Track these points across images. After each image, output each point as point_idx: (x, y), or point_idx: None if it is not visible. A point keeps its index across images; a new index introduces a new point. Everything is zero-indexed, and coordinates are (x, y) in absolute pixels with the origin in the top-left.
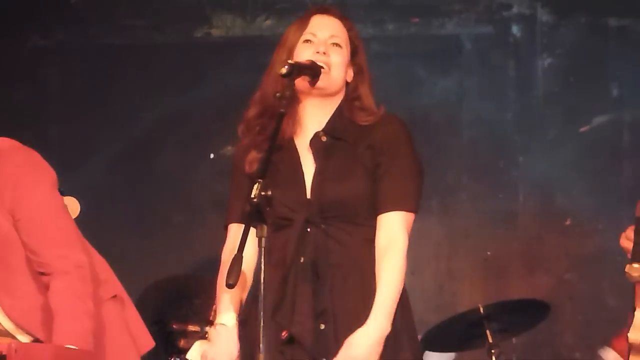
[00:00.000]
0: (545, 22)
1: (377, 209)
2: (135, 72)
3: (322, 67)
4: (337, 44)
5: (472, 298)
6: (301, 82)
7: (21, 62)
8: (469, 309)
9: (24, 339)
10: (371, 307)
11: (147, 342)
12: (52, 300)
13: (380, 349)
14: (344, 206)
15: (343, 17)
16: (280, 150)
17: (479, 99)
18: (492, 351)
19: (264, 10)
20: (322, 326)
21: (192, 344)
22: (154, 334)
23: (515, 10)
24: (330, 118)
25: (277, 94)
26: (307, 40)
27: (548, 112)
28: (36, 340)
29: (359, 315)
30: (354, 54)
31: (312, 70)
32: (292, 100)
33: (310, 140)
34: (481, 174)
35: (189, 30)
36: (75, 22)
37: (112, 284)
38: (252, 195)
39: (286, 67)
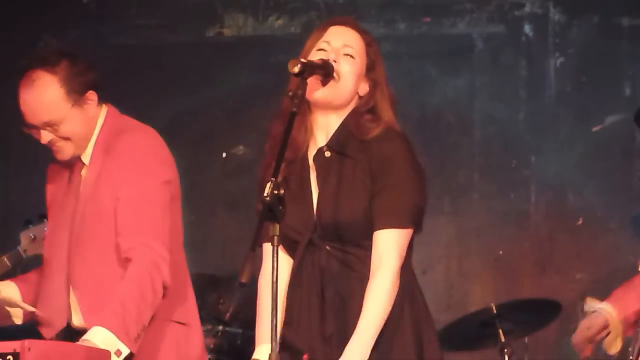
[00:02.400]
0: (557, 22)
1: (372, 227)
2: (147, 71)
3: (333, 68)
4: (349, 55)
5: (483, 297)
6: (310, 91)
7: None
8: (480, 308)
9: (75, 316)
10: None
11: None
12: (119, 285)
13: None
14: (343, 229)
15: (362, 31)
16: (294, 164)
17: (490, 98)
18: (505, 350)
19: (275, 9)
20: (328, 350)
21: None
22: None
23: (527, 9)
24: (335, 131)
25: (290, 93)
26: (320, 49)
27: (560, 111)
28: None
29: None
30: (370, 68)
31: (325, 70)
32: (303, 99)
33: (314, 156)
34: (493, 174)
35: (200, 30)
36: (87, 21)
37: (185, 310)
38: (265, 194)
39: (298, 65)
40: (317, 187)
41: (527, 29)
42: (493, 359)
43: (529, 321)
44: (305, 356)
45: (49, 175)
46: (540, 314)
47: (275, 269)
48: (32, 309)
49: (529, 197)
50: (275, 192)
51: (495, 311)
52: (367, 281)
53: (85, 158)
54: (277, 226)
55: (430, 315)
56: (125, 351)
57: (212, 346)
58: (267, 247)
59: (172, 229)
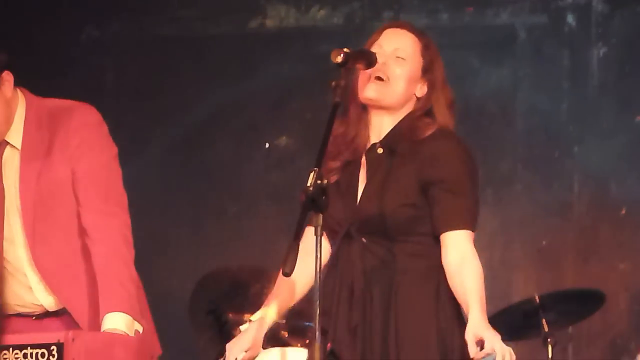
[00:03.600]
0: (600, 12)
1: (439, 227)
2: (189, 63)
3: (376, 57)
4: (400, 57)
5: (526, 288)
6: (360, 89)
7: (76, 53)
8: (523, 298)
9: (43, 296)
10: (407, 324)
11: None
12: (97, 263)
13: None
14: (380, 221)
15: (419, 33)
16: (351, 164)
17: (533, 89)
18: (548, 340)
19: (318, 0)
20: (353, 341)
21: None
22: (210, 324)
23: None
24: (391, 130)
25: (333, 83)
26: None
27: (603, 102)
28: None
29: (387, 333)
30: (427, 69)
31: (367, 58)
32: (347, 90)
33: (366, 152)
34: (536, 164)
35: (242, 21)
36: (129, 13)
37: None
38: (308, 184)
39: (341, 55)
40: (364, 182)
41: (570, 19)
42: (536, 349)
43: (572, 311)
44: (329, 345)
45: None
46: (584, 304)
47: (319, 259)
48: None
49: (572, 187)
50: (319, 182)
51: (538, 301)
52: (398, 276)
53: (13, 139)
54: (321, 216)
55: (463, 322)
56: (141, 330)
57: None
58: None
59: None
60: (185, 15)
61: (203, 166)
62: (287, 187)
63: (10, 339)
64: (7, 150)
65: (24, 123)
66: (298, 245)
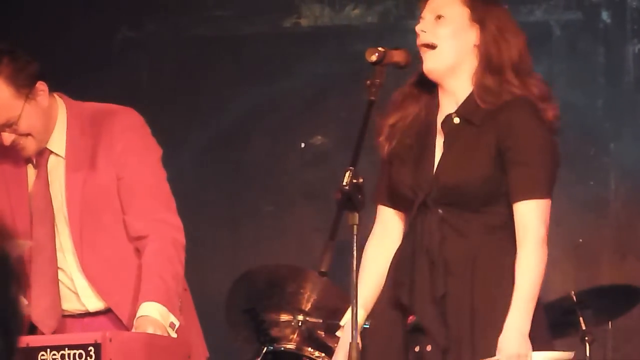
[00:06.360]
0: (635, 8)
1: (510, 198)
2: (224, 62)
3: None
4: (439, 16)
5: (563, 285)
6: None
7: (110, 54)
8: (561, 296)
9: (90, 301)
10: (486, 296)
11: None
12: (144, 261)
13: (528, 343)
14: (459, 192)
15: None
16: (422, 130)
17: (568, 85)
18: (586, 338)
19: None
20: (439, 312)
21: (283, 333)
22: (246, 323)
23: None
24: (465, 100)
25: (367, 82)
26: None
27: (639, 98)
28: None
29: (475, 303)
30: (474, 14)
31: (402, 58)
32: (381, 87)
33: (442, 122)
34: (572, 161)
35: (277, 20)
36: (164, 13)
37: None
38: (344, 183)
39: (376, 54)
40: (441, 151)
41: (605, 15)
42: (574, 347)
43: (609, 308)
44: (411, 318)
45: None
46: (621, 300)
47: (356, 258)
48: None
49: (608, 184)
50: (354, 180)
51: (575, 299)
52: (475, 247)
53: (57, 147)
54: (356, 215)
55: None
56: (177, 323)
57: (293, 336)
58: (381, 209)
59: None
60: (220, 14)
61: (239, 165)
62: (322, 186)
63: (48, 339)
64: (52, 158)
65: (67, 130)
66: (334, 244)
